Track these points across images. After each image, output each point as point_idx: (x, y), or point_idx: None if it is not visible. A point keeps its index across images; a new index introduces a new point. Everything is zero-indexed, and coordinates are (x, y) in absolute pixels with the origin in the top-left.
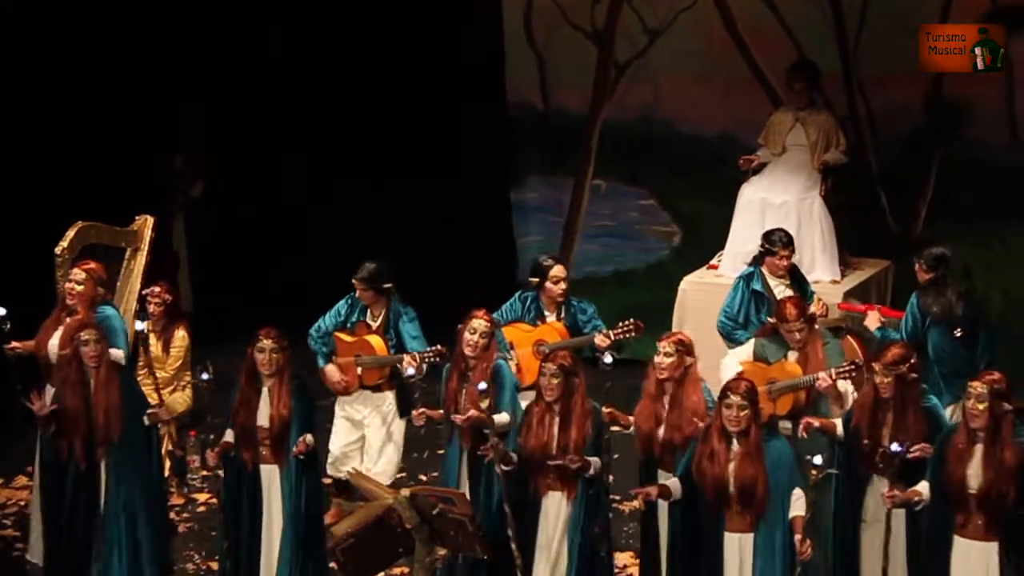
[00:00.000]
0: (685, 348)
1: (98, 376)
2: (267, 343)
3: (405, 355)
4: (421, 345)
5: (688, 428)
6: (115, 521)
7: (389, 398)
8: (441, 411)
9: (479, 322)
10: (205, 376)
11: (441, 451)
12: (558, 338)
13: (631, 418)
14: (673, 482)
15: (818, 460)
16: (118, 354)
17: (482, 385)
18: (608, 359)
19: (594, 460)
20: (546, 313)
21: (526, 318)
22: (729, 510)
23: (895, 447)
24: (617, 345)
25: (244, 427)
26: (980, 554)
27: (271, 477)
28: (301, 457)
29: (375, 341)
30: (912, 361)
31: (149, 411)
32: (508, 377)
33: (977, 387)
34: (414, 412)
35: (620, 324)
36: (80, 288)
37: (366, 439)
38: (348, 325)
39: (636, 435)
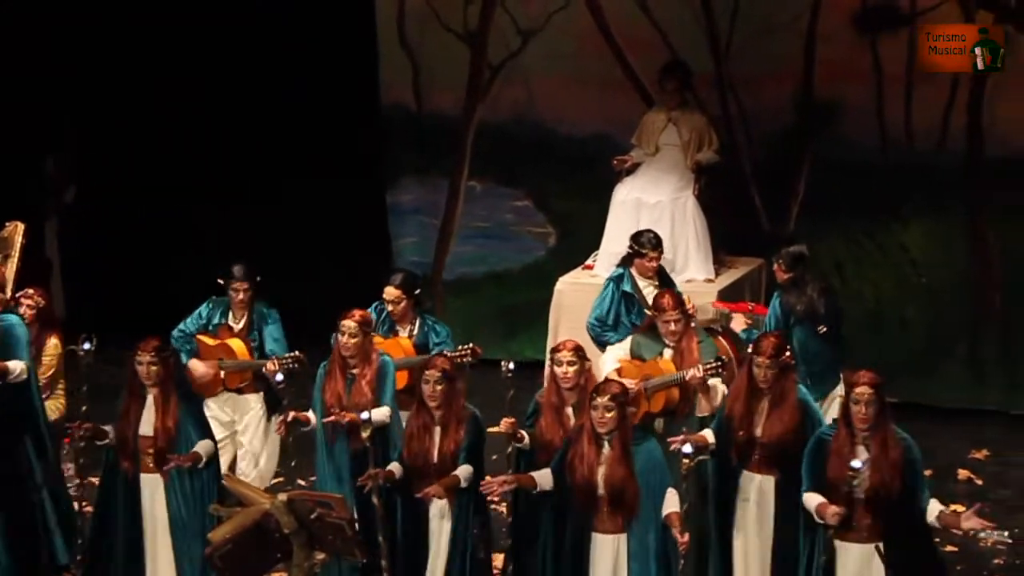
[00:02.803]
0: (582, 354)
1: None
2: (143, 357)
3: (267, 361)
4: (282, 348)
5: None
6: None
7: (256, 401)
8: (309, 414)
9: (347, 323)
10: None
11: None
12: (402, 355)
13: (524, 432)
14: (543, 473)
15: (688, 449)
16: (16, 366)
17: (364, 415)
18: (511, 365)
19: (462, 469)
20: (398, 328)
21: (379, 330)
22: (599, 512)
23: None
24: (456, 366)
25: (123, 436)
26: (861, 553)
27: (154, 487)
28: (187, 466)
29: (236, 345)
30: (788, 350)
31: None
32: (391, 373)
33: (864, 392)
34: (276, 420)
35: (459, 348)
36: None
37: (243, 444)
38: (211, 328)
39: (542, 449)
